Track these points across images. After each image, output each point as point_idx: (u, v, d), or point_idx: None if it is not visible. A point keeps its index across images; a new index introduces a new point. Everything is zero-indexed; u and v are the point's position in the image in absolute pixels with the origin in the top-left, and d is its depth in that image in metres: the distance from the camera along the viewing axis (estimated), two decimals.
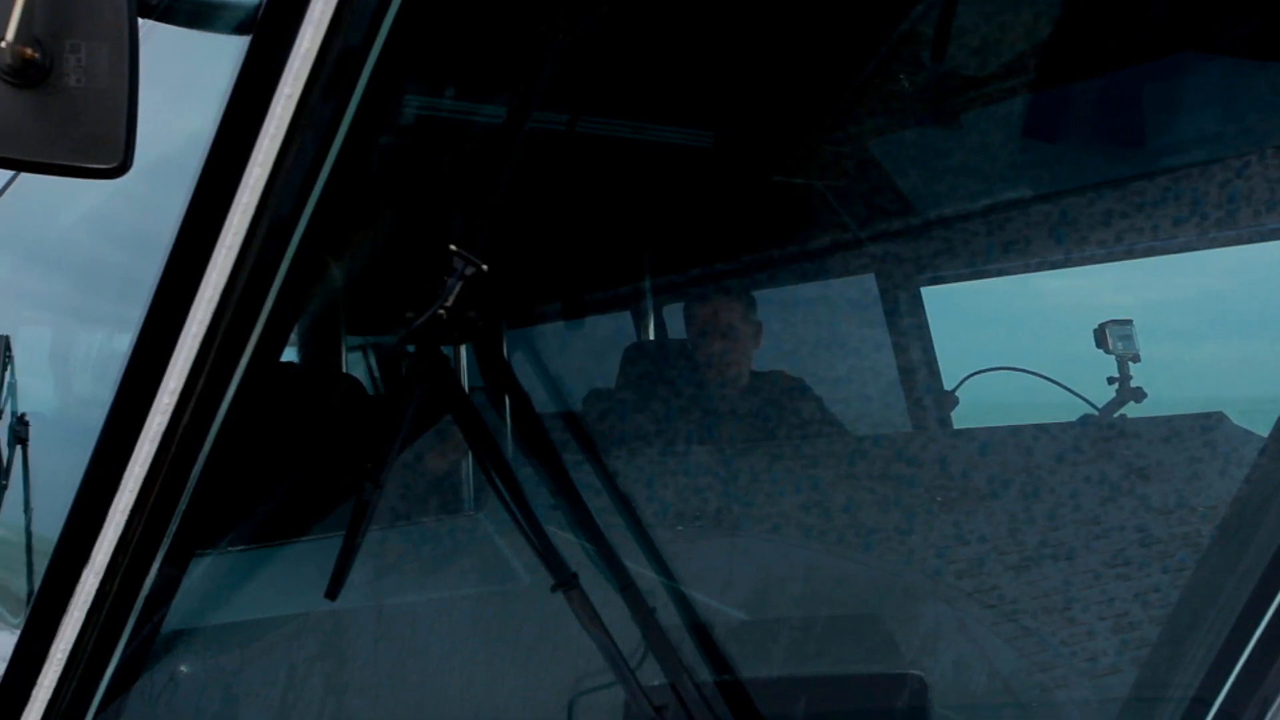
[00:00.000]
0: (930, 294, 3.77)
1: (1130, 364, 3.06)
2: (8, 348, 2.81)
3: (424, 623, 1.80)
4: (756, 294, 2.96)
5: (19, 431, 2.59)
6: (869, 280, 3.63)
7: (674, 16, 1.95)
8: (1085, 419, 3.13)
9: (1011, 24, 2.33)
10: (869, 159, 3.12)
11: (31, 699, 1.76)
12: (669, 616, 1.76)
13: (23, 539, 2.39)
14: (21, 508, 2.46)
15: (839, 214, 3.24)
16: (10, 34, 1.45)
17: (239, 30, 1.67)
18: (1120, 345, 3.06)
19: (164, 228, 1.71)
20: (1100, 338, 3.08)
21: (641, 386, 2.64)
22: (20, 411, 2.64)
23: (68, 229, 2.69)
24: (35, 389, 2.79)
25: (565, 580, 1.57)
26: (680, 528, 2.04)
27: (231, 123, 1.55)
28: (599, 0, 1.73)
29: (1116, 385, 3.08)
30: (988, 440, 2.21)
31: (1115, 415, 3.07)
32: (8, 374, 2.75)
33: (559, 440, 1.72)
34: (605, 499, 1.79)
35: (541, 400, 1.99)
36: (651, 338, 3.17)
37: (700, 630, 1.82)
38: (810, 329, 3.12)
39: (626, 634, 1.71)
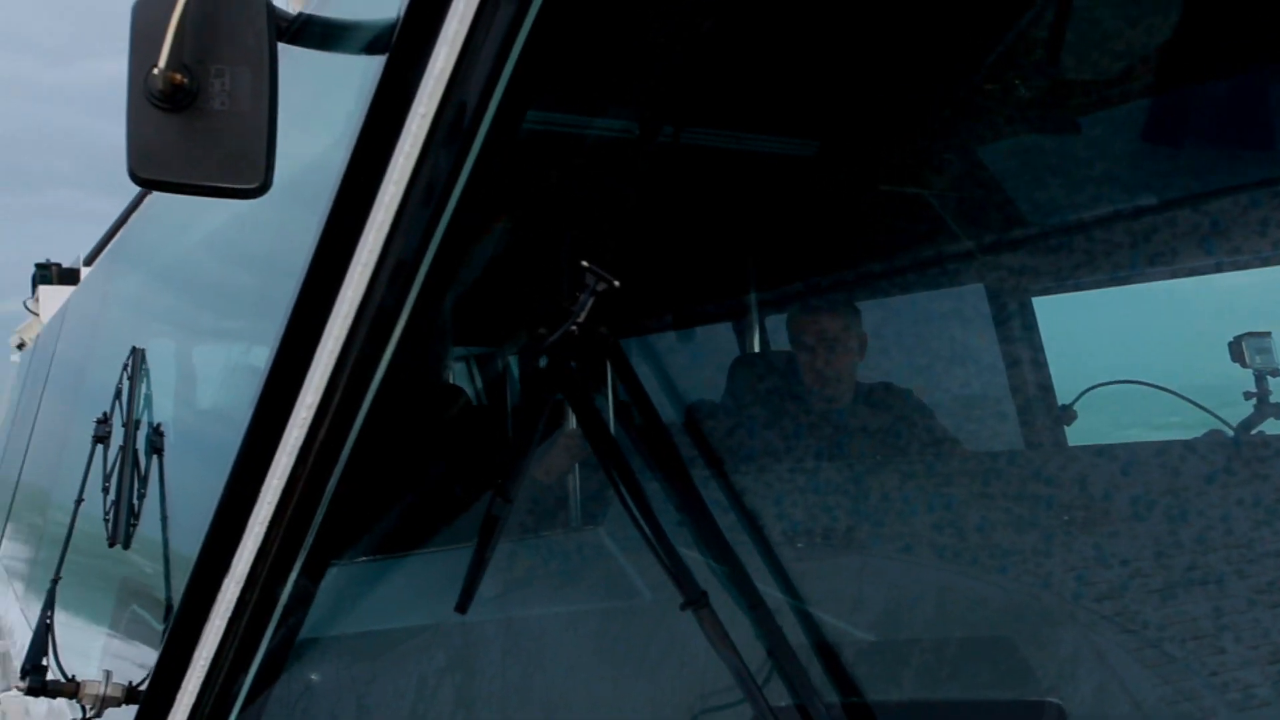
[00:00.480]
0: (1043, 305, 3.67)
1: (1270, 379, 2.93)
2: (142, 360, 2.92)
3: (547, 637, 1.81)
4: (862, 305, 2.91)
5: (155, 442, 2.69)
6: (978, 291, 3.54)
7: (778, 22, 1.93)
8: (1217, 435, 3.01)
9: (1131, 24, 2.25)
10: (979, 165, 3.05)
11: (176, 703, 1.81)
12: (795, 636, 1.74)
13: (160, 546, 2.48)
14: (158, 516, 2.55)
15: (947, 223, 3.17)
16: (163, 61, 1.51)
17: (371, 50, 1.71)
18: (1258, 359, 2.93)
19: (299, 245, 1.75)
20: (1236, 351, 2.96)
21: (748, 399, 2.61)
22: (156, 422, 2.74)
23: (201, 246, 2.78)
24: (168, 401, 2.89)
25: (695, 599, 1.56)
26: (800, 545, 2.01)
27: (367, 142, 1.58)
28: (713, 10, 1.73)
29: (1254, 401, 2.95)
30: (1124, 457, 2.13)
31: (1254, 432, 2.94)
32: (142, 386, 2.86)
33: (674, 455, 1.71)
34: (722, 515, 1.77)
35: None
36: (756, 350, 3.14)
37: (827, 651, 1.78)
38: (917, 340, 3.06)
39: (751, 653, 1.68)
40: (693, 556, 1.63)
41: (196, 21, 1.54)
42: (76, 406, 4.41)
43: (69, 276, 9.96)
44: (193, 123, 1.56)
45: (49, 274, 10.03)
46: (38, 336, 9.02)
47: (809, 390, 2.68)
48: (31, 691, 2.27)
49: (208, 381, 2.60)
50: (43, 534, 4.44)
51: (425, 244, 1.51)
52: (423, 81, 1.47)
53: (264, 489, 1.70)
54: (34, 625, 3.84)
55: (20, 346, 11.93)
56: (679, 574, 1.56)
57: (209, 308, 2.74)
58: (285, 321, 1.70)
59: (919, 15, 2.19)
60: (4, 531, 6.39)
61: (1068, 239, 3.05)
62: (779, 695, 1.67)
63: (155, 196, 3.87)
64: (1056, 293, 3.66)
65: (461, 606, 1.67)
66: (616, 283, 1.44)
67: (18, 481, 6.43)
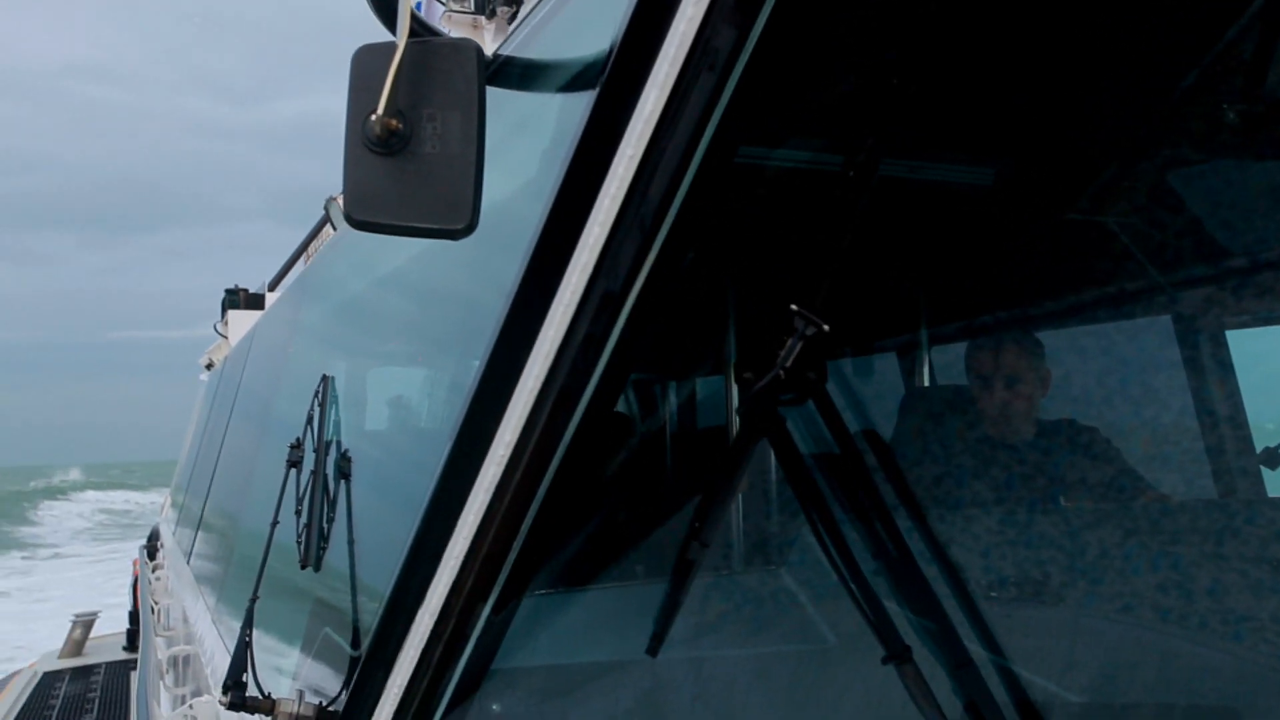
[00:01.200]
0: (1237, 338, 3.45)
1: None
2: (331, 388, 3.03)
3: (736, 679, 1.77)
4: (1045, 338, 2.78)
5: (343, 468, 2.78)
6: (1166, 324, 3.35)
7: (963, 45, 1.86)
8: None
9: None
10: (1168, 191, 2.89)
11: None
12: (997, 694, 1.65)
13: (348, 570, 2.56)
14: (345, 540, 2.63)
15: (1134, 252, 3.02)
16: (381, 107, 1.56)
17: (573, 89, 1.73)
18: None
19: (497, 281, 1.78)
20: None
21: (922, 436, 2.52)
22: (345, 448, 2.83)
23: (393, 277, 2.87)
24: (358, 428, 2.99)
25: (898, 653, 1.50)
26: (994, 595, 1.92)
27: (572, 182, 1.60)
28: (901, 39, 1.68)
29: None
30: None
31: None
32: (332, 413, 2.97)
33: (878, 503, 1.66)
34: (922, 563, 1.71)
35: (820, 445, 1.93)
36: (929, 384, 3.04)
37: (1028, 711, 1.70)
38: (1101, 376, 2.91)
39: (950, 711, 1.61)
40: (892, 607, 1.58)
41: (411, 68, 1.59)
42: (264, 427, 4.62)
43: (255, 301, 10.56)
44: (405, 166, 1.61)
45: (237, 299, 10.66)
46: (226, 358, 9.54)
47: (987, 427, 2.58)
48: (232, 706, 2.37)
49: (398, 411, 2.68)
50: (232, 549, 4.66)
51: (629, 284, 1.52)
52: (631, 124, 1.48)
53: (460, 523, 1.73)
54: (223, 636, 4.03)
55: (209, 367, 12.67)
56: (882, 626, 1.51)
57: (399, 338, 2.83)
58: (485, 357, 1.73)
59: (1110, 36, 2.10)
60: (195, 542, 6.74)
61: (1265, 268, 2.86)
62: None
63: (343, 228, 4.05)
64: (1253, 325, 3.45)
65: (652, 650, 1.66)
66: (826, 327, 1.41)
67: (207, 495, 6.78)
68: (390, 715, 1.81)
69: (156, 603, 8.28)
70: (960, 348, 2.78)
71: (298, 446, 2.90)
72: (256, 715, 2.36)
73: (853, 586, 1.52)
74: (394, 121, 1.58)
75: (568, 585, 1.79)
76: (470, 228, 1.58)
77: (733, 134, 1.46)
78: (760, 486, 1.63)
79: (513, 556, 1.70)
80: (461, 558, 1.72)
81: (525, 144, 1.95)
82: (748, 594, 1.71)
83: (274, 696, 2.34)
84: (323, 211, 9.81)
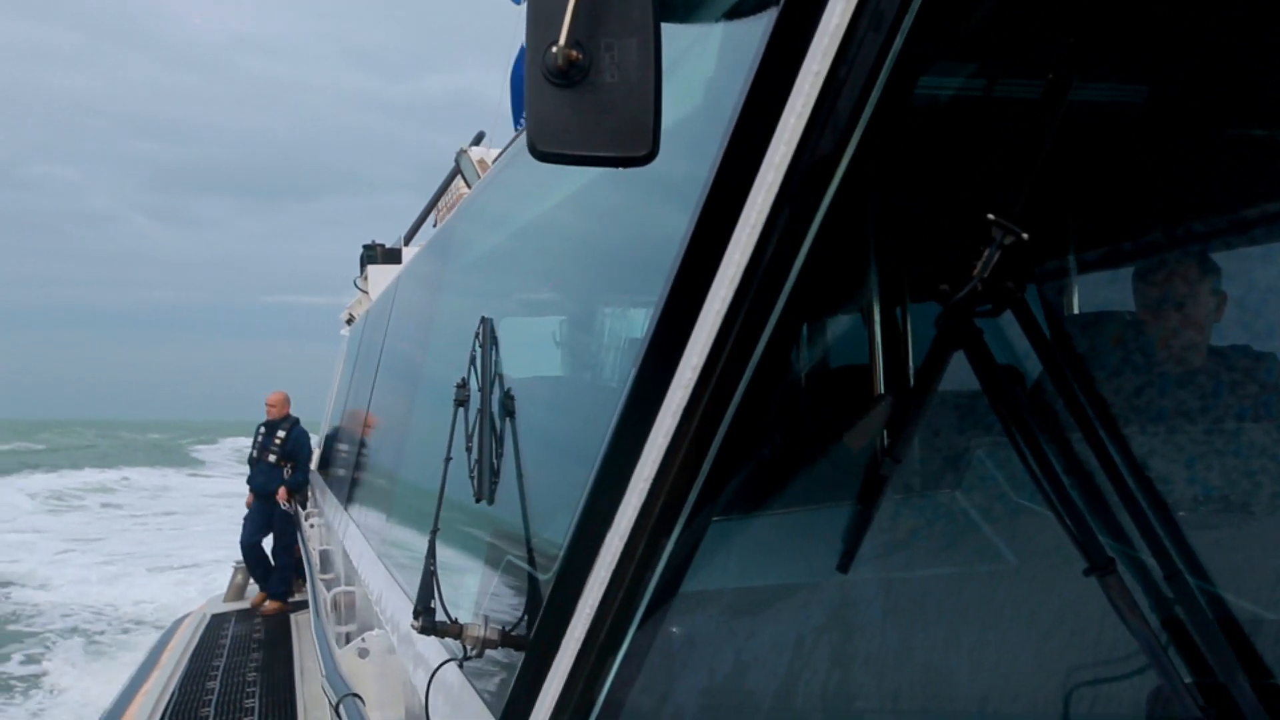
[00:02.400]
0: None
1: None
2: (490, 330, 3.11)
3: (928, 598, 1.78)
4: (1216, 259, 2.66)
5: (508, 406, 2.86)
6: None
7: None
8: None
9: None
10: None
11: (561, 649, 1.93)
12: (1201, 610, 1.62)
13: (519, 501, 2.64)
14: (514, 473, 2.71)
15: None
16: (562, 38, 1.58)
17: (755, 12, 1.72)
18: None
19: (679, 213, 1.80)
20: None
21: (1107, 354, 2.43)
22: (507, 386, 2.91)
23: (547, 218, 2.91)
24: (520, 367, 3.07)
25: (1102, 565, 1.48)
26: (1182, 513, 1.87)
27: (754, 103, 1.60)
28: None
29: None
30: None
31: None
32: (493, 353, 3.04)
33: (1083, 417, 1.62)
34: (1117, 480, 1.67)
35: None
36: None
37: (1231, 628, 1.65)
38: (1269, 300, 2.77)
39: (1150, 625, 1.59)
40: (1092, 521, 1.55)
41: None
42: (417, 372, 4.77)
43: (392, 256, 10.86)
44: (585, 96, 1.63)
45: (374, 254, 10.97)
46: (367, 311, 9.84)
47: (1155, 353, 2.49)
48: (423, 631, 2.49)
49: (566, 346, 2.73)
50: (394, 489, 4.85)
51: (815, 205, 1.51)
52: (815, 39, 1.46)
53: (647, 448, 1.76)
54: (392, 573, 4.21)
55: (349, 322, 13.11)
56: (1086, 540, 1.49)
57: (559, 276, 2.87)
58: (668, 287, 1.75)
59: None
60: (352, 488, 7.03)
61: None
62: (1184, 670, 1.57)
63: (489, 178, 4.13)
64: None
65: (843, 567, 1.68)
66: (1025, 235, 1.38)
67: (360, 442, 7.05)
68: (582, 635, 1.87)
69: (316, 549, 8.68)
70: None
71: (463, 386, 2.99)
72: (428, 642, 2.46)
73: (1053, 499, 1.50)
74: (574, 53, 1.60)
75: (755, 507, 1.81)
76: (652, 154, 1.60)
77: (921, 50, 1.43)
78: (952, 401, 1.62)
79: (701, 479, 1.72)
80: (650, 480, 1.75)
81: (699, 70, 1.95)
82: (938, 511, 1.71)
83: (461, 622, 2.45)
84: (452, 164, 10.00)
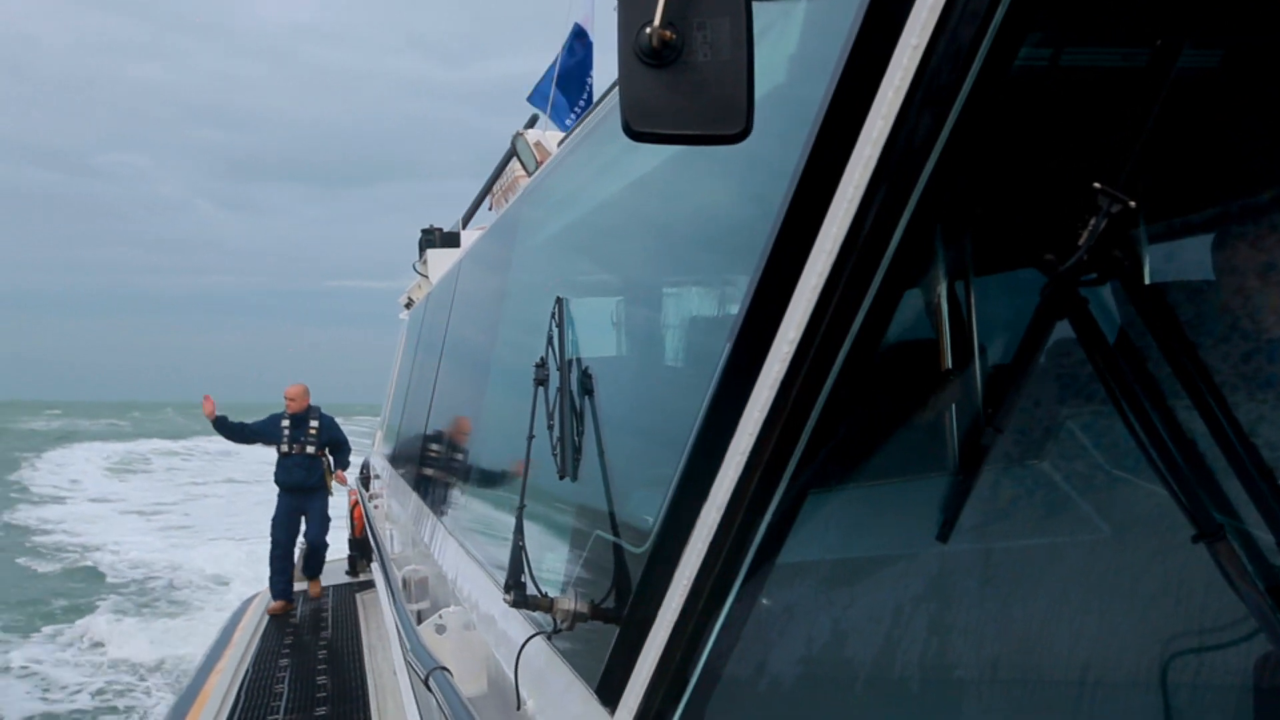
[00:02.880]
0: None
1: None
2: (566, 309, 3.14)
3: (1027, 567, 1.79)
4: None
5: (585, 384, 2.90)
6: None
7: None
8: None
9: None
10: None
11: (658, 621, 1.96)
12: None
13: (601, 477, 2.68)
14: (595, 449, 2.75)
15: None
16: (657, 18, 1.60)
17: None
18: None
19: (767, 189, 1.81)
20: None
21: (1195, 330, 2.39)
22: (585, 366, 2.95)
23: (627, 193, 2.93)
24: (597, 345, 3.10)
25: (1212, 531, 1.48)
26: None
27: (851, 77, 1.61)
28: None
29: None
30: None
31: None
32: (568, 331, 3.08)
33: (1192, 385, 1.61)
34: (1224, 446, 1.66)
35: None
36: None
37: None
38: None
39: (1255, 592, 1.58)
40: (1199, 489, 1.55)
41: None
42: (490, 351, 4.83)
43: (450, 240, 10.94)
44: (679, 76, 1.64)
45: (433, 238, 11.07)
46: (429, 295, 9.94)
47: (1267, 319, 2.45)
48: (515, 604, 2.54)
49: (649, 325, 2.75)
50: (467, 468, 4.92)
51: (914, 178, 1.52)
52: (914, 11, 1.47)
53: (744, 420, 1.79)
54: (468, 550, 4.28)
55: (408, 305, 13.25)
56: (1194, 507, 1.49)
57: (638, 255, 2.90)
58: (763, 261, 1.77)
59: None
60: (419, 469, 7.12)
61: None
62: None
63: (551, 163, 4.16)
64: None
65: (943, 536, 1.69)
66: (1132, 203, 1.38)
67: (427, 423, 7.15)
68: (679, 606, 1.91)
69: (384, 529, 8.83)
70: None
71: (542, 365, 3.03)
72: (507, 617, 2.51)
73: (1161, 467, 1.50)
74: (668, 33, 1.62)
75: (853, 479, 1.83)
76: (746, 132, 1.61)
77: (1021, 16, 1.43)
78: (1054, 370, 1.62)
79: (798, 451, 1.75)
80: (747, 453, 1.78)
81: (786, 44, 1.96)
82: (1039, 480, 1.71)
83: (550, 596, 2.50)
84: (507, 147, 10.05)
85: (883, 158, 1.53)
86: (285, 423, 11.95)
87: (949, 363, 1.64)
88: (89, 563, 26.58)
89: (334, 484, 12.22)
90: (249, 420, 12.46)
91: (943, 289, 1.63)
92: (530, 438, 2.92)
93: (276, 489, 12.20)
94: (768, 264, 1.76)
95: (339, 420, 12.59)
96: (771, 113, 1.79)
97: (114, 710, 15.29)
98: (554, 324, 3.10)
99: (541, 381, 3.00)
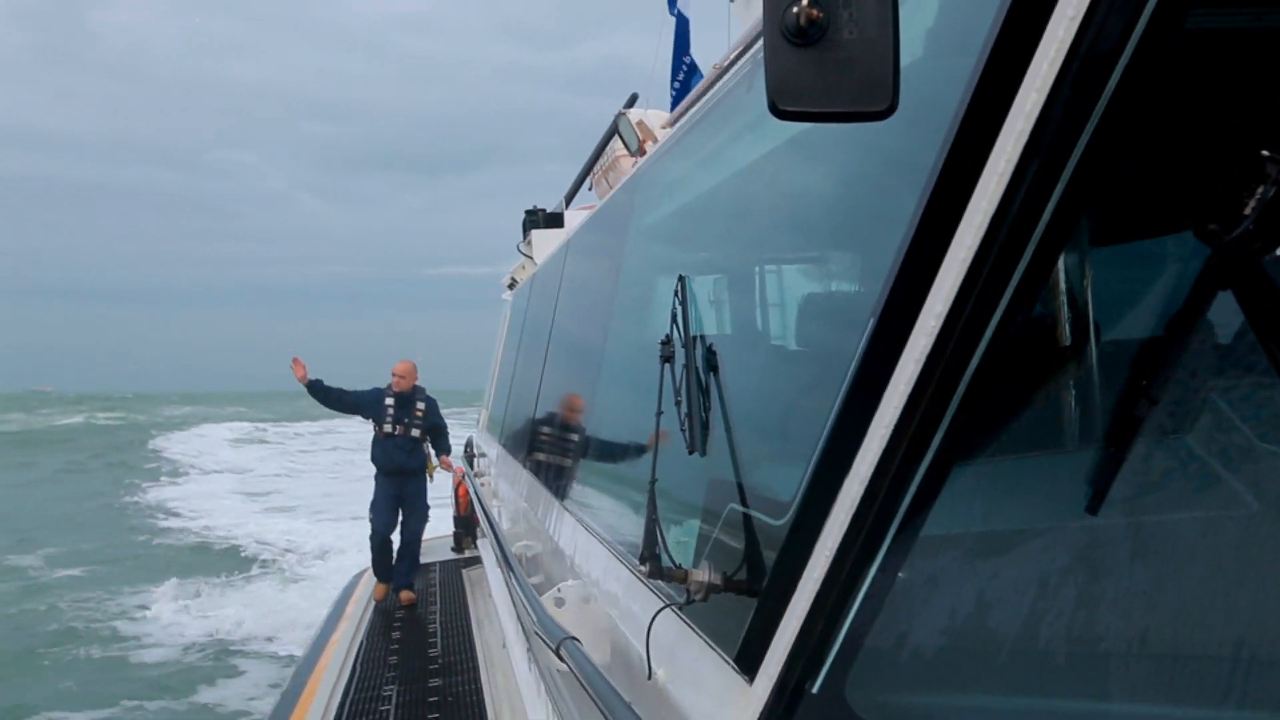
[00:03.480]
0: None
1: None
2: (689, 287, 3.18)
3: (1180, 541, 1.78)
4: None
5: (711, 360, 2.94)
6: None
7: None
8: None
9: None
10: None
11: (798, 592, 2.00)
12: None
13: (729, 452, 2.72)
14: (722, 425, 2.79)
15: None
16: None
17: None
18: None
19: (916, 162, 1.82)
20: None
21: None
22: (709, 342, 2.98)
23: (782, 169, 2.94)
24: (723, 322, 3.14)
25: None
26: None
27: (1002, 50, 1.61)
28: None
29: None
30: None
31: None
32: (690, 311, 3.12)
33: None
34: None
35: None
36: None
37: None
38: None
39: None
40: None
41: None
42: (606, 330, 4.90)
43: (554, 220, 11.08)
44: (824, 54, 1.66)
45: (537, 219, 11.22)
46: (535, 274, 10.09)
47: None
48: (650, 575, 2.61)
49: (777, 300, 2.78)
50: (580, 444, 5.01)
51: (1069, 148, 1.52)
52: None
53: (888, 394, 1.81)
54: (586, 524, 4.36)
55: (511, 286, 13.46)
56: None
57: (769, 231, 2.92)
58: (910, 234, 1.79)
59: None
60: (530, 446, 7.26)
61: None
62: None
63: (666, 141, 4.19)
64: None
65: (1093, 508, 1.69)
66: None
67: (537, 400, 7.27)
68: (822, 575, 1.94)
69: (494, 506, 9.02)
70: None
71: (667, 343, 3.07)
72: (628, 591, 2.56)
73: None
74: (815, 11, 1.64)
75: (999, 451, 1.84)
76: (892, 108, 1.63)
77: None
78: (1213, 342, 1.60)
79: (944, 424, 1.76)
80: (891, 427, 1.80)
81: (926, 18, 1.96)
82: (1191, 455, 1.70)
83: (685, 568, 2.55)
84: (606, 127, 10.12)
85: (1035, 130, 1.53)
86: (389, 401, 11.31)
87: (1098, 335, 1.64)
88: (210, 536, 28.05)
89: (438, 471, 11.83)
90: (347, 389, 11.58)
91: (1095, 261, 1.63)
92: (659, 414, 2.97)
93: (375, 471, 11.53)
94: (914, 240, 1.78)
95: None
96: (915, 83, 1.80)
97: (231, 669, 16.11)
98: (678, 302, 3.14)
99: (667, 359, 3.04)
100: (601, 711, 2.59)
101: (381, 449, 11.42)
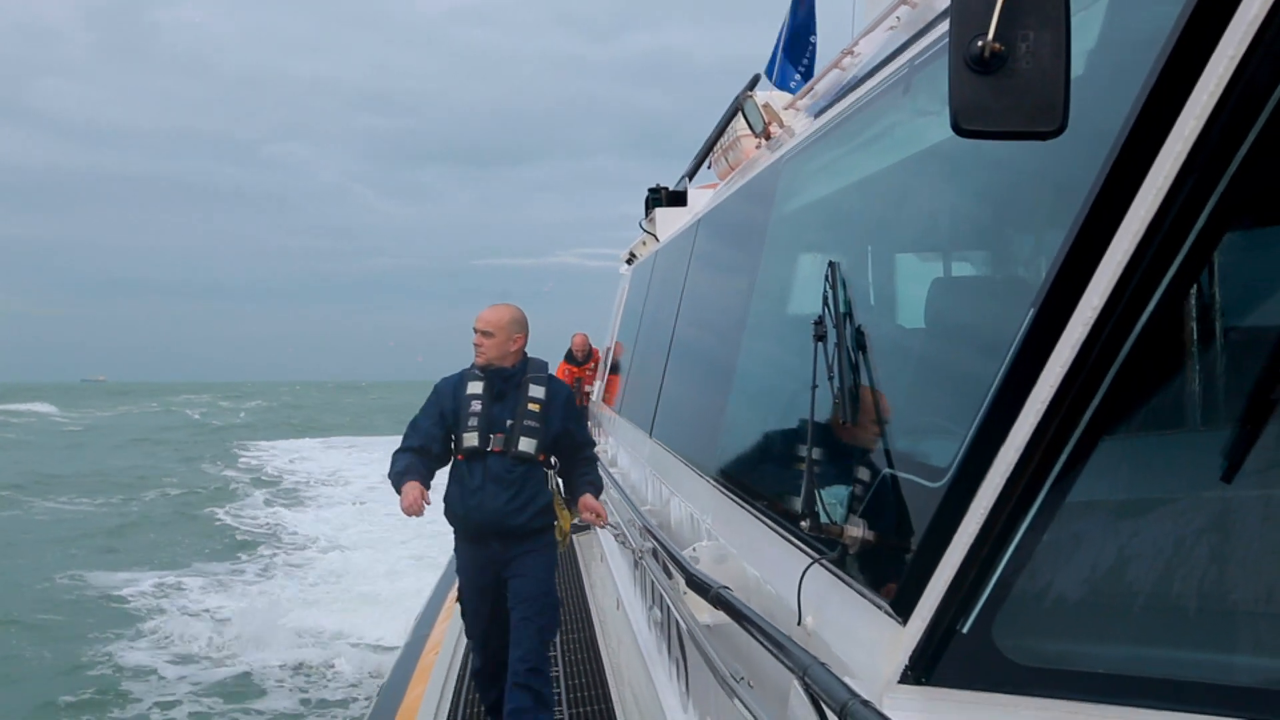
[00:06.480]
0: None
1: None
2: (838, 273, 3.46)
3: None
4: None
5: (860, 340, 3.22)
6: None
7: None
8: None
9: None
10: None
11: (953, 545, 2.29)
12: None
13: (880, 421, 3.01)
14: (871, 399, 3.08)
15: None
16: (991, 33, 1.90)
17: None
18: None
19: (1077, 161, 2.09)
20: None
21: None
22: (858, 324, 3.27)
23: (933, 165, 3.20)
24: (871, 304, 3.41)
25: None
26: None
27: (1185, 43, 1.86)
28: None
29: None
30: None
31: None
32: (840, 294, 3.40)
33: None
34: None
35: None
36: None
37: None
38: None
39: None
40: None
41: None
42: (743, 305, 5.19)
43: (676, 198, 11.38)
44: (1003, 81, 1.94)
45: (659, 197, 11.53)
46: (658, 251, 10.42)
47: None
48: (810, 530, 2.93)
49: (934, 291, 3.06)
50: (718, 414, 5.32)
51: (1241, 138, 1.77)
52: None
53: (1044, 375, 2.09)
54: (724, 490, 4.68)
55: (629, 261, 13.84)
56: None
57: (930, 218, 3.19)
58: (1072, 234, 2.06)
59: None
60: (657, 416, 7.61)
61: None
62: None
63: (811, 127, 4.45)
64: None
65: (1227, 477, 1.95)
66: None
67: (664, 373, 7.61)
68: (976, 530, 2.23)
69: (619, 474, 9.42)
70: None
71: (820, 323, 3.37)
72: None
73: None
74: (998, 45, 1.92)
75: (1140, 427, 2.10)
76: (1062, 128, 1.90)
77: None
78: None
79: (1094, 403, 2.04)
80: (1047, 402, 2.09)
81: (1092, 38, 2.22)
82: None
83: (840, 524, 2.86)
84: (733, 107, 10.35)
85: (1193, 150, 1.80)
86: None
87: (1226, 333, 1.90)
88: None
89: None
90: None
91: (1228, 265, 1.89)
92: (814, 388, 3.27)
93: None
94: (1076, 240, 2.05)
95: None
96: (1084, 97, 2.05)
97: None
98: (827, 286, 3.42)
99: (820, 338, 3.34)
100: (766, 647, 2.92)
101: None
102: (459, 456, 6.20)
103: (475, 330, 6.30)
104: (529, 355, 6.46)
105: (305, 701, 15.18)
